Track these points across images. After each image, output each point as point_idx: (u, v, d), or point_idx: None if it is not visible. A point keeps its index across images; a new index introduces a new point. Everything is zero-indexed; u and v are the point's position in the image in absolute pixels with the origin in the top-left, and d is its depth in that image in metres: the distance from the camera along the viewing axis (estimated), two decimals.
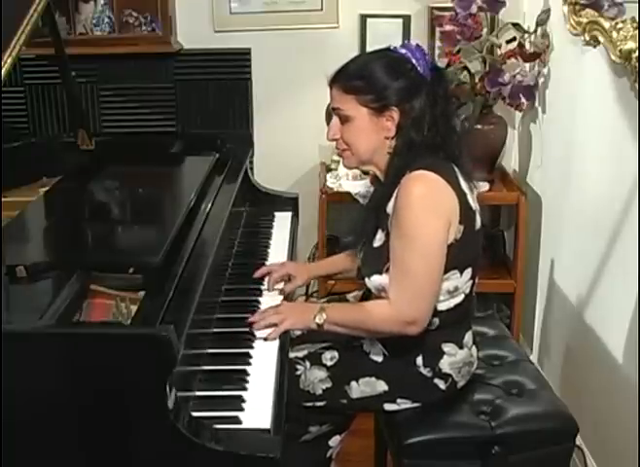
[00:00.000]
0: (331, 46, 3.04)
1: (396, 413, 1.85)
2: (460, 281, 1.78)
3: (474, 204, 1.77)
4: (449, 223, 1.70)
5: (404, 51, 1.78)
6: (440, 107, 1.76)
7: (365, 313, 1.79)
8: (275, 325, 1.78)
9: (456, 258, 1.74)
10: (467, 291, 1.81)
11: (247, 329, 1.78)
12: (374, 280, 1.78)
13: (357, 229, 1.92)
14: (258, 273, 2.07)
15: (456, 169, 1.76)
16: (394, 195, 1.73)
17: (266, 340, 1.75)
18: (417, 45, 1.82)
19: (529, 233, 2.86)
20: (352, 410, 1.91)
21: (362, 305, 1.86)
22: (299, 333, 1.98)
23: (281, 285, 2.05)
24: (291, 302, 2.10)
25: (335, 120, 1.81)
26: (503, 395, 1.89)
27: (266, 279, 2.06)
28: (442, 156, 1.75)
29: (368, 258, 1.83)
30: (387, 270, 1.74)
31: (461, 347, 1.84)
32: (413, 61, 1.75)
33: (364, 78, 1.74)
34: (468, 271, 1.78)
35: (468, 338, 1.87)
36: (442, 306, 1.78)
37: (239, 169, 2.36)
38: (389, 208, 1.75)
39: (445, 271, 1.73)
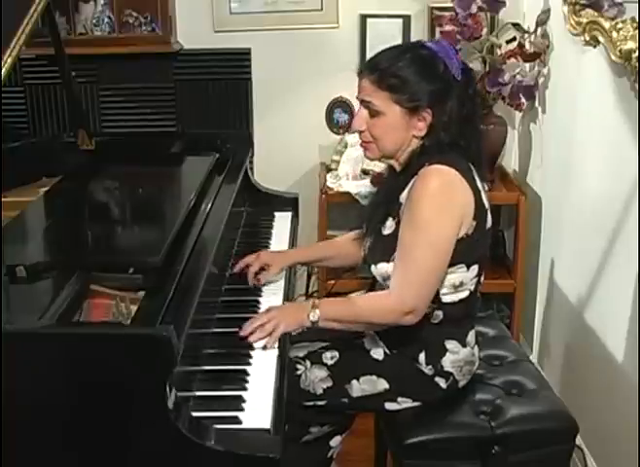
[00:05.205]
0: (331, 46, 3.04)
1: (396, 413, 1.85)
2: (466, 277, 1.79)
3: (486, 203, 1.79)
4: (462, 218, 1.72)
5: (437, 49, 1.76)
6: (466, 108, 1.76)
7: (360, 305, 1.79)
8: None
9: (465, 253, 1.75)
10: (472, 288, 1.82)
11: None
12: (381, 268, 1.79)
13: (366, 215, 1.92)
14: (236, 268, 2.03)
15: (473, 168, 1.77)
16: (409, 185, 1.75)
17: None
18: (450, 44, 1.81)
19: (529, 234, 2.86)
20: (353, 409, 1.91)
21: (356, 297, 1.86)
22: (299, 330, 1.98)
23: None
24: (290, 301, 2.09)
25: (363, 111, 1.79)
26: (503, 395, 1.89)
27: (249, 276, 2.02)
28: (462, 154, 1.76)
29: (376, 245, 1.83)
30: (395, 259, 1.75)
31: (464, 346, 1.84)
32: (446, 61, 1.74)
33: (400, 77, 1.73)
34: (474, 268, 1.79)
35: (471, 337, 1.87)
36: (446, 299, 1.79)
37: (239, 169, 2.36)
38: (402, 197, 1.77)
39: (453, 265, 1.74)
